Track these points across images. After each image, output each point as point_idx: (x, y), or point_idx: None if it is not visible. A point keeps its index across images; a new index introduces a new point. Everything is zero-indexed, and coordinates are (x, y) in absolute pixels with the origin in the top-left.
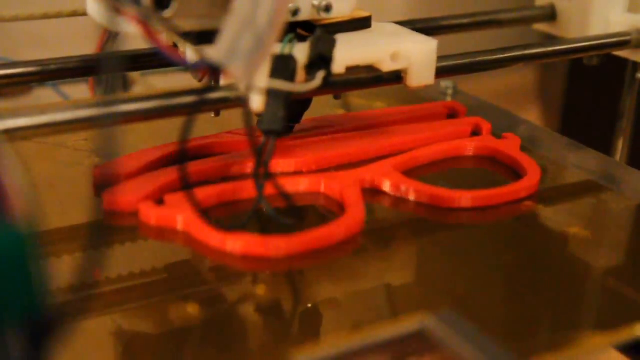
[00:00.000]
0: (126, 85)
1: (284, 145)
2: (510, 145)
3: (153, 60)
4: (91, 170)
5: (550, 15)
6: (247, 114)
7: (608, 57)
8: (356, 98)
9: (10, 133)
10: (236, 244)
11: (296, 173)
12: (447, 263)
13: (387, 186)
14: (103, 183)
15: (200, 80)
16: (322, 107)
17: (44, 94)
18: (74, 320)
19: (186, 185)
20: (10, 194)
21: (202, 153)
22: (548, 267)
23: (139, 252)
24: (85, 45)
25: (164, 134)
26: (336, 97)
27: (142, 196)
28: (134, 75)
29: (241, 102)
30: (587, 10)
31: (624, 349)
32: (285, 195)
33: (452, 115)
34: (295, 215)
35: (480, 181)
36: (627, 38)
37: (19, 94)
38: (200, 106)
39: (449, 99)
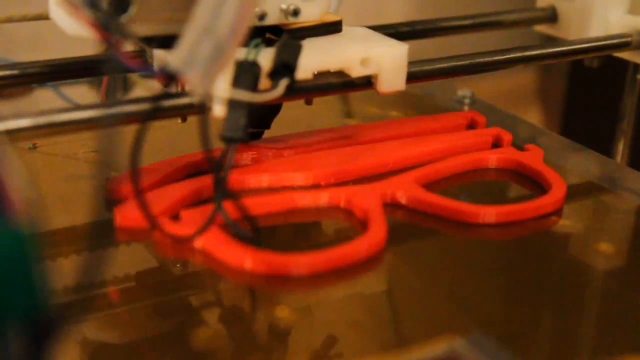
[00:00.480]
0: (127, 87)
1: (300, 157)
2: (533, 158)
3: None
4: (102, 184)
5: (551, 16)
6: (202, 122)
7: (608, 58)
8: (371, 107)
9: (11, 134)
10: (256, 262)
11: (314, 186)
12: (473, 281)
13: (407, 201)
14: (115, 197)
15: (165, 86)
16: (336, 117)
17: (44, 95)
18: (75, 321)
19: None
20: (12, 195)
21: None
22: (580, 287)
23: (153, 270)
24: (82, 46)
25: (177, 145)
26: (307, 103)
27: (156, 212)
28: (134, 76)
29: (201, 108)
30: (588, 12)
31: None
32: (244, 213)
33: (471, 125)
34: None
35: (503, 195)
36: (628, 39)
37: (19, 95)
38: (156, 113)
39: (466, 108)
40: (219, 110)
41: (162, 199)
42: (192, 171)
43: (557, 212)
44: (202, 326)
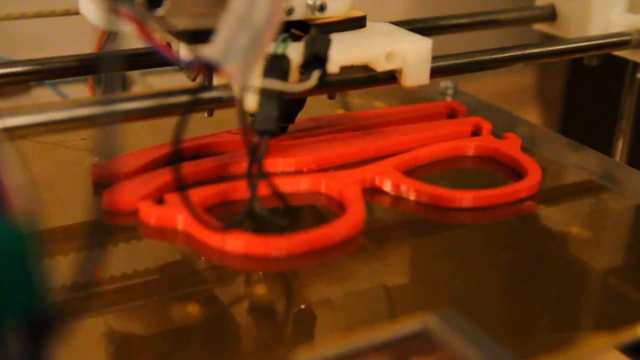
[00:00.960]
0: (125, 84)
1: (284, 144)
2: (511, 145)
3: (152, 59)
4: (90, 170)
5: (550, 15)
6: (241, 113)
7: (608, 57)
8: (355, 98)
9: (9, 131)
10: (236, 243)
11: (296, 172)
12: (448, 263)
13: (387, 186)
14: (102, 182)
15: (193, 80)
16: (322, 107)
17: (43, 94)
18: (74, 318)
19: (182, 186)
20: (10, 192)
21: (201, 153)
22: (549, 267)
23: (139, 251)
24: (81, 44)
25: (163, 133)
26: (331, 97)
27: (142, 195)
28: (134, 74)
29: (235, 101)
30: (587, 11)
31: (626, 349)
32: (280, 196)
33: (452, 115)
34: (290, 215)
35: (481, 181)
36: (627, 38)
37: (18, 93)
38: (194, 106)
39: (449, 99)
40: (251, 102)
41: (147, 183)
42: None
43: (533, 197)
44: (183, 305)
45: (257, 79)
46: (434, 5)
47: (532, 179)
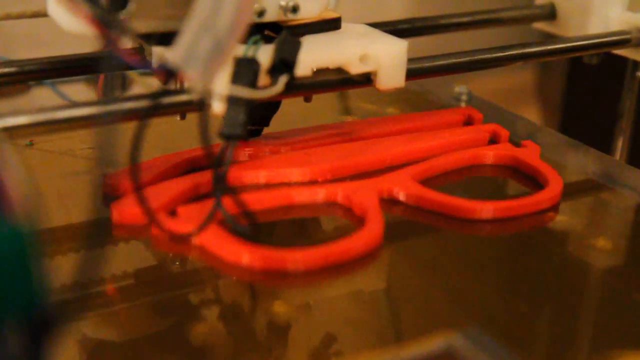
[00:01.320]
0: (125, 85)
1: (297, 154)
2: (530, 154)
3: None
4: (100, 180)
5: (550, 14)
6: (202, 118)
7: (608, 55)
8: (368, 104)
9: (10, 131)
10: (253, 257)
11: (311, 182)
12: (470, 277)
13: (404, 197)
14: (113, 193)
15: (165, 83)
16: (333, 114)
17: (42, 94)
18: (73, 318)
19: (139, 187)
20: (10, 192)
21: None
22: (576, 282)
23: (150, 266)
24: (80, 44)
25: (175, 141)
26: (306, 100)
27: (155, 208)
28: (133, 74)
29: (200, 105)
30: (587, 9)
31: None
32: (243, 209)
33: (468, 122)
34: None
35: (500, 191)
36: (627, 37)
37: (17, 93)
38: (155, 110)
39: (463, 104)
40: (218, 107)
41: (159, 194)
42: (189, 167)
43: (554, 208)
44: (200, 322)
45: (223, 84)
46: (434, 4)
47: (554, 189)
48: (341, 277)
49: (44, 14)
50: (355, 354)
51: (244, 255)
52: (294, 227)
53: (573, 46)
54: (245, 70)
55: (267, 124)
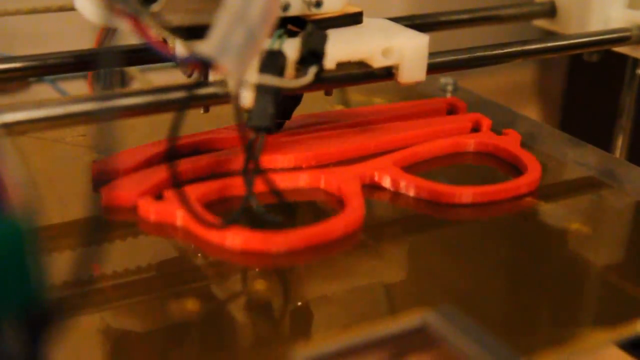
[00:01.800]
0: (124, 81)
1: (283, 141)
2: (510, 142)
3: (151, 55)
4: (89, 166)
5: (550, 11)
6: (237, 109)
7: (608, 53)
8: (355, 94)
9: (8, 127)
10: (235, 239)
11: (295, 169)
12: (447, 259)
13: (386, 182)
14: (101, 178)
15: (189, 76)
16: (321, 103)
17: (42, 90)
18: (72, 314)
19: (179, 182)
20: (8, 187)
21: (199, 149)
22: (549, 263)
23: (138, 247)
24: (80, 40)
25: (162, 130)
26: (327, 94)
27: (141, 191)
28: (133, 71)
29: (230, 98)
30: (587, 6)
31: (625, 345)
32: (277, 192)
33: (451, 111)
34: (288, 212)
35: (481, 177)
36: (627, 34)
37: (17, 89)
38: (190, 102)
39: (448, 95)
40: (247, 99)
41: (146, 179)
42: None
43: (533, 193)
44: (183, 301)
45: (252, 75)
46: (434, 1)
47: (532, 175)
48: (321, 258)
49: (40, 11)
50: (332, 331)
51: (228, 237)
52: (277, 211)
53: (573, 43)
54: (273, 63)
55: (289, 118)
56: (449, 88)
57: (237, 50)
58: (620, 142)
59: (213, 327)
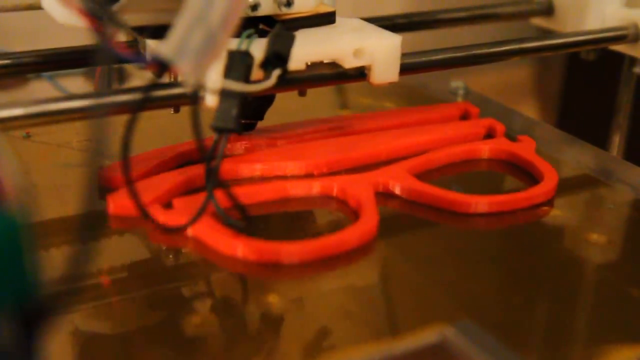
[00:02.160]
0: (122, 78)
1: (293, 147)
2: (525, 148)
3: None
4: (96, 172)
5: (548, 9)
6: (194, 110)
7: (605, 51)
8: (365, 98)
9: (4, 122)
10: (247, 250)
11: (307, 176)
12: (464, 270)
13: (400, 190)
14: (109, 185)
15: (158, 77)
16: (330, 108)
17: (40, 87)
18: (66, 310)
19: (130, 180)
20: (4, 182)
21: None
22: (570, 276)
23: (145, 257)
24: (77, 37)
25: (170, 134)
26: (301, 94)
27: (149, 200)
28: (131, 68)
29: (192, 99)
30: (584, 5)
31: None
32: (235, 202)
33: (464, 116)
34: (257, 218)
35: (495, 185)
36: (624, 32)
37: (15, 86)
38: (146, 103)
39: (459, 99)
40: (210, 100)
41: (154, 187)
42: (184, 161)
43: (549, 203)
44: (194, 314)
45: (216, 78)
46: None
47: (549, 184)
48: (335, 270)
49: (38, 7)
50: (348, 346)
51: (239, 248)
52: (289, 220)
53: (570, 42)
54: (238, 64)
55: (261, 118)
56: (460, 92)
57: (195, 51)
58: (617, 140)
59: (223, 341)
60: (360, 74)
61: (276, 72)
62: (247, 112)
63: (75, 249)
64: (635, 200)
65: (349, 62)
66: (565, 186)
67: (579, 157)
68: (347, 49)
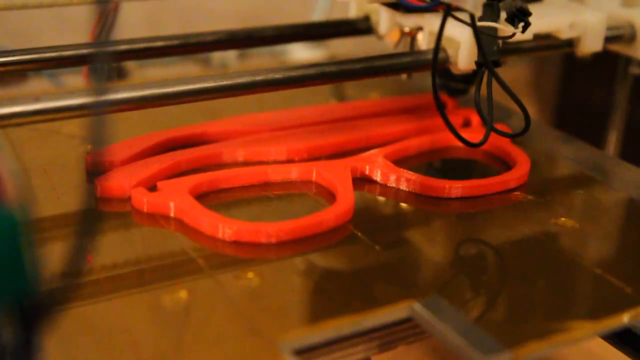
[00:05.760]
0: (121, 75)
1: (276, 134)
2: (500, 137)
3: (148, 50)
4: (84, 157)
5: None
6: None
7: (601, 51)
8: (350, 89)
9: (3, 119)
10: (228, 230)
11: (288, 161)
12: (436, 251)
13: (377, 175)
14: (95, 170)
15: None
16: (315, 97)
17: (40, 84)
18: (65, 305)
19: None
20: (2, 178)
21: (194, 141)
22: (536, 257)
23: (131, 238)
24: (75, 35)
25: (156, 122)
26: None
27: (135, 182)
28: (130, 66)
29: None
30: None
31: (610, 337)
32: None
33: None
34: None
35: (470, 171)
36: (620, 32)
37: (14, 83)
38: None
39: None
40: (463, 63)
41: (139, 171)
42: (170, 146)
43: (522, 188)
44: (176, 291)
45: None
46: None
47: (521, 170)
48: (311, 249)
49: (31, 6)
50: (321, 321)
51: (220, 228)
52: (269, 203)
53: (565, 41)
54: (490, 14)
55: (471, 82)
56: None
57: None
58: (613, 139)
59: (203, 318)
60: (568, 44)
61: (521, 24)
62: (459, 77)
63: (74, 242)
64: (624, 197)
65: (565, 34)
66: (563, 185)
67: (574, 155)
68: (564, 22)
